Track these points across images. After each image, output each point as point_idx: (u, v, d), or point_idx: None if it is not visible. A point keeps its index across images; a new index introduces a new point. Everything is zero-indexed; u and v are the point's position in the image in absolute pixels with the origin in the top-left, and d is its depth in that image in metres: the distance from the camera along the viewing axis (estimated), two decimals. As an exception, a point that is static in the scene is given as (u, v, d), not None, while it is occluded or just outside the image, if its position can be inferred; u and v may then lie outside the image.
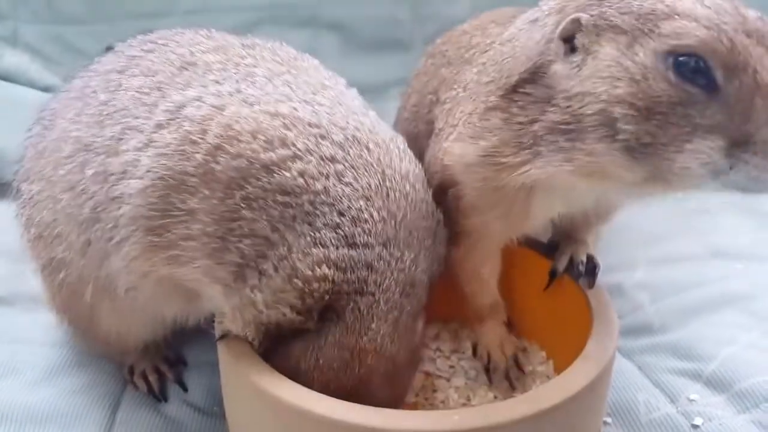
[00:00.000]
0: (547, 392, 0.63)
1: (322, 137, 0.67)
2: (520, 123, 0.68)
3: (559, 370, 0.83)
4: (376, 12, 1.73)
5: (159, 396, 0.87)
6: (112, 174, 0.71)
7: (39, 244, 0.82)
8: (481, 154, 0.71)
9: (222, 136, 0.66)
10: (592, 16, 0.63)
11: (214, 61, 0.76)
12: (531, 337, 0.90)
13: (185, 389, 0.89)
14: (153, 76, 0.76)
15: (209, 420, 0.84)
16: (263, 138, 0.65)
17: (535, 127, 0.66)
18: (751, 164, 0.57)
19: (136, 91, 0.74)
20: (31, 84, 1.59)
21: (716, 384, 0.87)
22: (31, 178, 0.83)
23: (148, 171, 0.67)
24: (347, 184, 0.65)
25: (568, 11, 0.66)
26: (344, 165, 0.66)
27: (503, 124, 0.69)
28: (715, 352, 0.91)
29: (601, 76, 0.61)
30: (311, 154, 0.65)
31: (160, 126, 0.69)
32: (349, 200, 0.65)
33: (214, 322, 0.73)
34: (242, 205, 0.64)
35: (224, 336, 0.69)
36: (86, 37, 1.64)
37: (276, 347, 0.67)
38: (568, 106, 0.63)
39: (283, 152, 0.65)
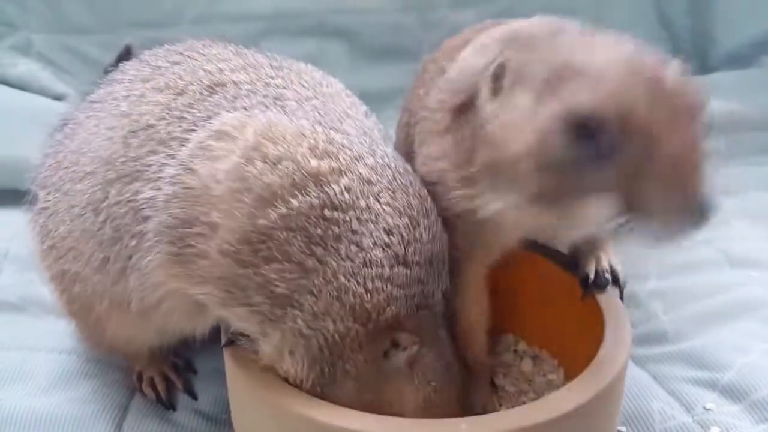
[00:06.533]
0: (558, 400, 0.62)
1: (357, 159, 0.66)
2: (465, 151, 0.67)
3: (570, 378, 0.82)
4: (382, 19, 1.73)
5: (167, 404, 0.86)
6: (139, 197, 0.68)
7: (51, 254, 0.80)
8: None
9: (263, 134, 0.63)
10: (517, 62, 0.62)
11: (243, 81, 0.74)
12: (542, 345, 0.89)
13: (195, 398, 0.88)
14: (180, 95, 0.73)
15: (217, 428, 0.83)
16: (308, 144, 0.63)
17: (474, 155, 0.65)
18: (643, 226, 0.57)
19: (165, 113, 0.71)
20: (44, 92, 1.60)
21: (733, 393, 0.85)
22: (49, 188, 0.81)
23: (174, 177, 0.65)
24: (386, 204, 0.65)
25: (505, 47, 0.65)
26: (380, 186, 0.65)
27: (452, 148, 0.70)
28: (732, 360, 0.89)
29: (511, 125, 0.61)
30: (352, 172, 0.64)
31: (187, 138, 0.68)
32: (392, 218, 0.64)
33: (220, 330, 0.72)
34: (278, 223, 0.60)
35: (230, 343, 0.69)
36: (94, 46, 1.66)
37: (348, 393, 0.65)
38: (487, 148, 0.63)
39: (330, 163, 0.62)
